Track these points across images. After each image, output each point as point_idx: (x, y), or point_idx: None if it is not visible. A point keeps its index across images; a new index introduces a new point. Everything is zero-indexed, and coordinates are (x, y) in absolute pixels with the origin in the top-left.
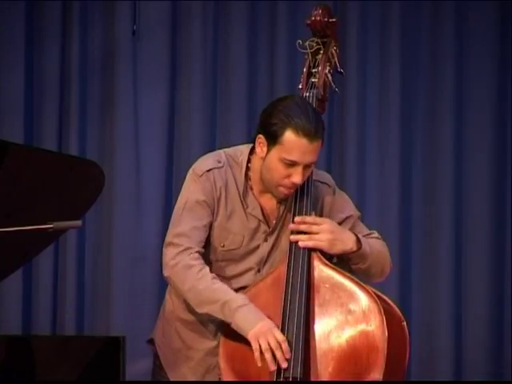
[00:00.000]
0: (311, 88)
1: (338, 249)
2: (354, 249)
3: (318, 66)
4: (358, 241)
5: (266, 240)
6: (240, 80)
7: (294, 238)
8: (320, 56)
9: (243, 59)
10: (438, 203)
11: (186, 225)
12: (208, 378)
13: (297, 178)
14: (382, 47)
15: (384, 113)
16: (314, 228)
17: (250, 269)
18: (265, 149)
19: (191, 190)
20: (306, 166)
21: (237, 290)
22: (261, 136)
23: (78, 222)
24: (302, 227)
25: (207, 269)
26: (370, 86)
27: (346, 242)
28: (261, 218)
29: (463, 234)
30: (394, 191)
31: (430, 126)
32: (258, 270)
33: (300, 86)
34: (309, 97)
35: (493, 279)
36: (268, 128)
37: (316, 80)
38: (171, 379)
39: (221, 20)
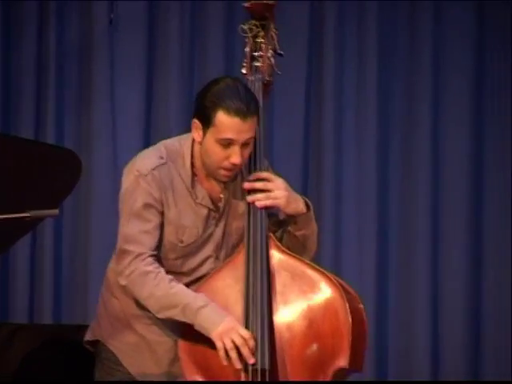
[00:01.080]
0: (256, 72)
1: (292, 207)
2: (304, 210)
3: (260, 49)
4: (306, 203)
5: (216, 225)
6: (216, 69)
7: (251, 198)
8: (261, 39)
9: (220, 47)
10: (415, 196)
11: (136, 230)
12: (173, 370)
13: (235, 158)
14: (359, 40)
15: (361, 106)
16: (270, 185)
17: (208, 257)
18: (201, 133)
19: (138, 192)
20: (244, 145)
21: (197, 280)
22: (195, 120)
23: (55, 211)
24: (258, 185)
25: (163, 273)
26: (347, 81)
27: (298, 201)
28: (210, 205)
29: (440, 226)
30: (371, 184)
31: (407, 119)
32: (216, 257)
33: (244, 71)
34: (254, 81)
35: (469, 273)
36: (201, 111)
37: (260, 64)
38: (134, 373)
39: (197, 10)
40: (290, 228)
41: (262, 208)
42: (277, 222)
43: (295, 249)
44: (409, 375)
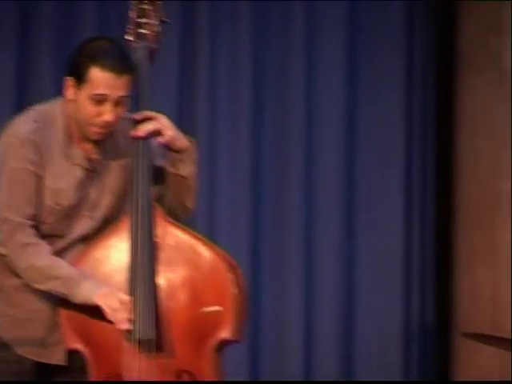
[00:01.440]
0: (141, 39)
1: (181, 143)
2: (189, 145)
3: (146, 16)
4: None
5: (92, 185)
6: (92, 31)
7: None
8: (146, 6)
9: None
10: (289, 168)
11: (16, 198)
12: (52, 338)
13: (108, 115)
14: (232, 17)
15: (235, 80)
16: (157, 121)
17: (82, 216)
18: (73, 90)
19: (15, 157)
20: (117, 103)
21: (73, 243)
22: (68, 78)
23: None
24: (149, 126)
25: (44, 245)
26: (221, 56)
27: (182, 136)
28: (86, 165)
29: (314, 194)
30: (245, 158)
31: (281, 90)
32: (92, 217)
33: (130, 38)
34: (139, 48)
35: (342, 236)
36: (74, 68)
37: (146, 31)
38: (9, 343)
39: None
40: (177, 170)
41: (160, 145)
42: (161, 171)
43: (182, 192)
44: (282, 342)
